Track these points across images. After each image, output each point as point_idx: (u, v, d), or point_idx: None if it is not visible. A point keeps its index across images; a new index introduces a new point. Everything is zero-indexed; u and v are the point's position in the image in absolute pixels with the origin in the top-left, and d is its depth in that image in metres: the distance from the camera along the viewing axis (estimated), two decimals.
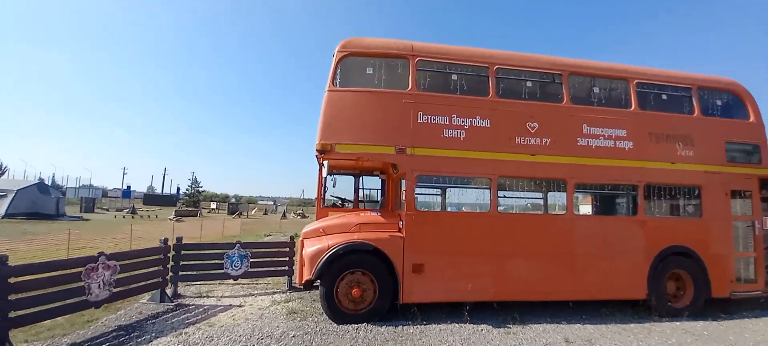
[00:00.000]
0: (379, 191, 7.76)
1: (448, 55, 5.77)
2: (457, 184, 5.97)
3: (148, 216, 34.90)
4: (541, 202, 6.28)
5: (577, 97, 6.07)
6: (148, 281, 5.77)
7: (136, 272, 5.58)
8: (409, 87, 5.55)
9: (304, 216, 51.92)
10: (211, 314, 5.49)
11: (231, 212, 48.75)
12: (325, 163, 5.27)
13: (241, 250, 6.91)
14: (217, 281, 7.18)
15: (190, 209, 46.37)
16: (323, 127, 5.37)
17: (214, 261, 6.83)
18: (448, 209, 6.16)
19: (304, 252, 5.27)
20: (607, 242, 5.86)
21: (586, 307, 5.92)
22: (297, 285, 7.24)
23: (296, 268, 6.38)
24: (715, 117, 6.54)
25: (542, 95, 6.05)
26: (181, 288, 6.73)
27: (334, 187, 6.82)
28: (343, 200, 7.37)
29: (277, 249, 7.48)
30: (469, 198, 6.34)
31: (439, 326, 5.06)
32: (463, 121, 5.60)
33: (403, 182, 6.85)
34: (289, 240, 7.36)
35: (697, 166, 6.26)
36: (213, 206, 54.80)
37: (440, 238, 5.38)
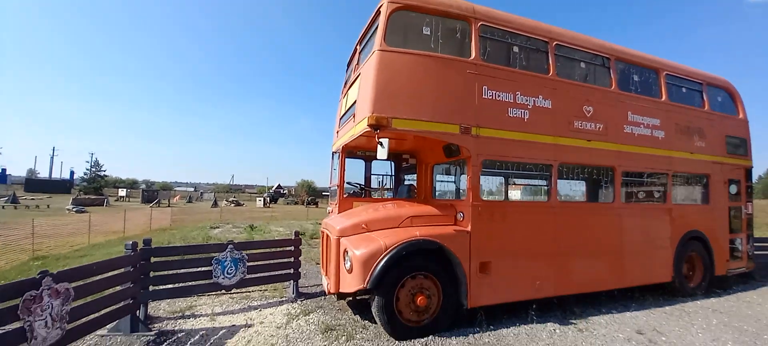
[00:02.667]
0: (392, 177, 6.79)
1: (510, 23, 5.02)
2: (513, 170, 5.31)
3: (37, 206, 27.94)
4: (584, 190, 6.02)
5: (622, 83, 5.87)
6: (113, 306, 4.02)
7: (97, 295, 3.82)
8: (473, 56, 4.67)
9: (239, 204, 47.44)
10: (216, 344, 4.04)
11: (147, 201, 42.12)
12: (384, 142, 4.12)
13: (236, 252, 5.37)
14: (195, 296, 5.53)
15: (93, 196, 38.69)
16: (376, 96, 4.21)
17: (198, 269, 5.19)
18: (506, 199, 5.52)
19: (350, 255, 4.12)
20: (644, 228, 5.85)
21: (620, 294, 5.88)
22: (306, 291, 6.02)
23: (325, 271, 5.16)
24: (716, 113, 6.99)
25: (593, 78, 5.70)
26: (151, 307, 4.97)
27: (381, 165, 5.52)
28: (365, 189, 6.22)
29: (280, 249, 6.02)
30: (514, 186, 5.78)
31: (510, 330, 4.44)
32: (526, 100, 4.94)
33: (437, 167, 6.09)
34: (294, 237, 5.98)
35: (707, 157, 6.63)
36: (121, 193, 46.68)
37: (506, 232, 4.71)
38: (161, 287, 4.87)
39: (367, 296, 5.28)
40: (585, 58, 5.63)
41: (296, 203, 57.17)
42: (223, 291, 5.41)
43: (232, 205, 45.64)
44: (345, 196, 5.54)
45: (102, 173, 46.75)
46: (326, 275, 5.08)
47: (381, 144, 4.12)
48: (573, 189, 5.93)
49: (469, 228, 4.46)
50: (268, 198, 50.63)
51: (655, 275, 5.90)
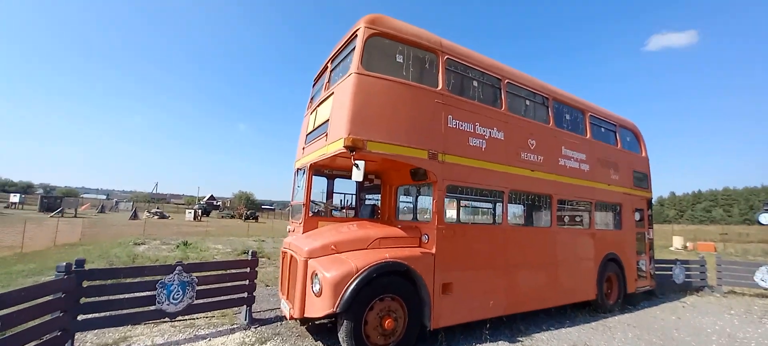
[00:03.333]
0: (354, 196, 6.84)
1: (470, 59, 5.51)
2: (467, 196, 5.72)
3: None
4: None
5: (557, 120, 6.73)
6: (34, 343, 3.40)
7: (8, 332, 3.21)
8: (440, 86, 5.02)
9: (164, 216, 42.71)
10: None
11: (46, 209, 35.82)
12: (360, 164, 4.17)
13: (184, 275, 4.91)
14: (129, 325, 4.90)
15: None
16: (352, 119, 4.29)
17: (139, 294, 4.62)
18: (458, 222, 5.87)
19: (320, 277, 4.06)
20: (574, 250, 6.67)
21: (556, 312, 6.58)
22: (259, 316, 5.69)
23: (285, 295, 4.94)
24: (626, 150, 8.34)
25: (533, 115, 6.45)
26: (76, 341, 4.27)
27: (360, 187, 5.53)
28: (331, 208, 6.14)
29: (234, 271, 5.60)
30: (470, 211, 6.21)
31: None
32: (484, 131, 5.42)
33: (399, 189, 6.29)
34: (251, 258, 5.64)
35: (620, 189, 7.84)
36: (13, 198, 39.14)
37: (466, 254, 5.03)
38: (93, 315, 4.23)
39: (327, 321, 5.23)
40: (529, 96, 6.38)
41: (232, 217, 53.32)
42: (168, 319, 4.88)
43: (156, 217, 40.93)
44: (310, 215, 5.43)
45: None
46: (287, 298, 4.89)
47: (357, 166, 4.19)
48: (516, 214, 6.56)
49: (433, 250, 4.69)
50: (199, 210, 46.43)
51: (583, 292, 6.72)
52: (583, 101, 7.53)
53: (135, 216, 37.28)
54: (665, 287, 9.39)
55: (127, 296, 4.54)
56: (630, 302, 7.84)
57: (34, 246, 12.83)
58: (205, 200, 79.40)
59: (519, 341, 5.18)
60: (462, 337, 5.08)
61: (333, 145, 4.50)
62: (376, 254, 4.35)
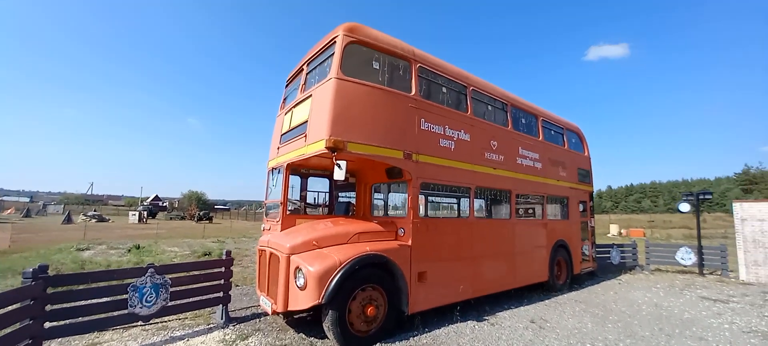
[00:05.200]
0: (327, 194, 7.04)
1: (440, 67, 5.94)
2: (437, 192, 6.17)
3: None
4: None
5: (514, 124, 7.43)
6: None
7: None
8: (413, 92, 5.39)
9: (103, 219, 39.12)
10: None
11: None
12: (342, 164, 4.39)
13: (157, 277, 4.82)
14: (95, 333, 4.71)
15: None
16: (333, 121, 4.51)
17: (109, 298, 4.47)
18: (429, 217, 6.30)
19: (304, 272, 4.25)
20: (529, 239, 7.43)
21: (515, 293, 7.30)
22: (235, 315, 5.72)
23: (265, 292, 5.04)
24: (572, 150, 9.35)
25: (494, 118, 7.08)
26: None
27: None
28: (305, 205, 6.26)
29: (209, 270, 5.54)
30: (441, 206, 6.68)
31: (442, 330, 5.14)
32: (453, 133, 5.89)
33: (375, 186, 6.59)
34: (225, 258, 5.62)
35: (567, 184, 8.81)
36: None
37: (438, 244, 5.46)
38: (62, 322, 4.05)
39: (306, 314, 5.40)
40: (490, 101, 6.99)
41: (183, 218, 50.11)
42: (141, 323, 4.76)
43: (94, 220, 37.39)
44: (288, 213, 5.54)
45: None
46: (268, 295, 5.00)
47: (339, 166, 4.42)
48: (480, 208, 7.17)
49: (409, 242, 5.05)
50: (145, 212, 43.04)
51: (537, 275, 7.52)
52: (536, 107, 8.34)
53: (69, 220, 33.78)
54: (604, 268, 10.69)
55: (96, 301, 4.38)
56: (576, 282, 8.86)
57: None
58: (149, 200, 73.66)
59: (485, 319, 5.74)
60: (436, 319, 5.52)
61: (313, 146, 4.68)
62: (357, 248, 4.62)
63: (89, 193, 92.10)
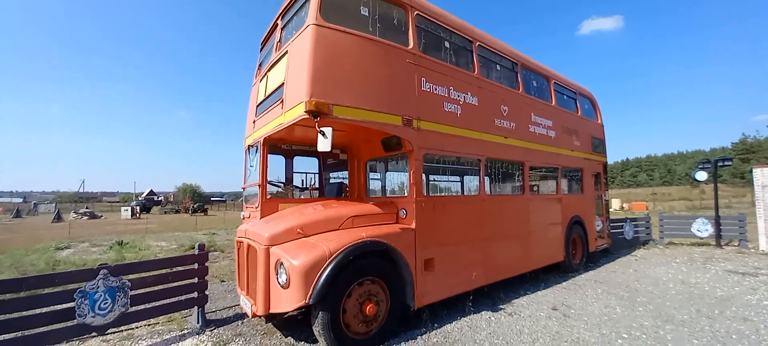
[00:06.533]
0: (317, 175, 6.19)
1: (442, 18, 5.03)
2: (442, 165, 5.35)
3: None
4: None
5: (526, 87, 6.57)
6: None
7: None
8: (411, 45, 4.50)
9: (95, 216, 38.10)
10: None
11: None
12: (327, 131, 3.53)
13: (111, 279, 4.01)
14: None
15: None
16: (313, 78, 3.63)
17: (54, 307, 3.67)
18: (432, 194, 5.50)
19: (287, 266, 3.45)
20: (544, 216, 6.68)
21: (521, 278, 6.57)
22: (214, 317, 4.96)
23: (245, 290, 4.26)
24: (585, 117, 8.53)
25: (506, 80, 6.20)
26: None
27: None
28: (290, 188, 5.42)
29: (180, 268, 4.73)
30: (447, 183, 5.88)
31: (453, 325, 4.42)
32: (459, 96, 5.04)
33: (368, 163, 5.76)
34: (197, 252, 4.81)
35: (581, 154, 8.02)
36: None
37: (447, 226, 4.68)
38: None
39: (296, 312, 4.64)
40: (499, 60, 6.10)
41: (178, 212, 49.21)
42: (95, 334, 3.97)
43: (86, 217, 36.37)
44: (268, 197, 4.70)
45: None
46: (247, 294, 4.22)
47: (323, 133, 3.56)
48: (491, 182, 6.36)
49: (413, 225, 4.26)
50: (137, 207, 41.98)
51: (553, 255, 6.80)
52: (547, 68, 7.46)
53: (59, 218, 32.77)
54: (616, 244, 10.05)
55: (35, 312, 3.58)
56: (590, 260, 8.20)
57: None
58: (144, 195, 72.36)
59: (501, 308, 5.02)
60: (446, 312, 4.80)
61: (291, 112, 3.82)
62: (351, 234, 3.82)
63: (81, 190, 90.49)
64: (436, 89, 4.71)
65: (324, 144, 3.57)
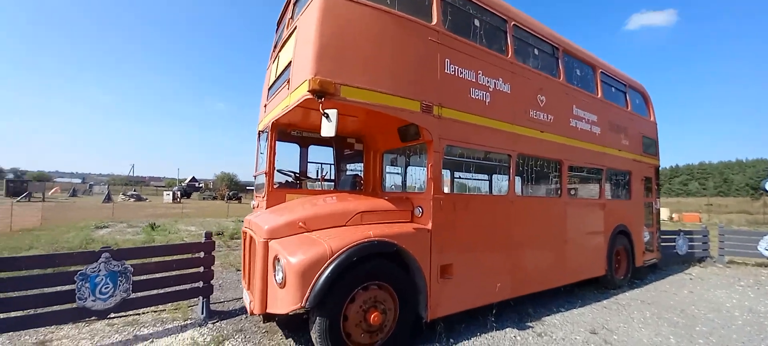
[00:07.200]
0: (332, 166, 5.83)
1: None
2: (466, 159, 4.77)
3: None
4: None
5: (568, 75, 5.81)
6: None
7: None
8: (435, 21, 3.98)
9: (141, 199, 40.82)
10: None
11: (13, 193, 33.65)
12: (332, 114, 3.15)
13: (114, 263, 3.88)
14: (53, 326, 3.88)
15: None
16: (319, 54, 3.23)
17: (50, 289, 3.60)
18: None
19: (283, 263, 3.10)
20: (584, 223, 5.91)
21: (554, 292, 5.83)
22: (221, 308, 4.77)
23: (247, 284, 4.02)
24: (635, 113, 7.54)
25: (544, 67, 5.50)
26: None
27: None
28: (301, 178, 5.11)
29: (183, 256, 4.58)
30: (472, 180, 5.32)
31: (472, 342, 3.90)
32: (488, 82, 4.45)
33: (385, 155, 5.32)
34: (205, 240, 4.63)
35: (630, 155, 7.08)
36: None
37: (468, 229, 4.15)
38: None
39: (303, 313, 4.33)
40: (537, 44, 5.41)
41: (214, 199, 51.66)
42: (95, 318, 3.88)
43: (132, 200, 39.05)
44: (275, 186, 4.40)
45: None
46: (248, 289, 3.95)
47: (327, 116, 3.17)
48: (522, 182, 5.70)
49: (429, 226, 3.78)
50: (178, 192, 44.44)
51: (592, 268, 6.02)
52: (594, 56, 6.60)
53: (108, 199, 35.34)
54: (666, 259, 8.90)
55: (34, 292, 3.51)
56: (636, 276, 7.25)
57: None
58: (186, 181, 76.75)
59: (529, 326, 4.42)
60: (464, 326, 4.27)
61: (297, 92, 3.45)
62: (358, 232, 3.41)
63: (131, 174, 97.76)
64: (461, 73, 4.17)
65: (328, 129, 3.18)
